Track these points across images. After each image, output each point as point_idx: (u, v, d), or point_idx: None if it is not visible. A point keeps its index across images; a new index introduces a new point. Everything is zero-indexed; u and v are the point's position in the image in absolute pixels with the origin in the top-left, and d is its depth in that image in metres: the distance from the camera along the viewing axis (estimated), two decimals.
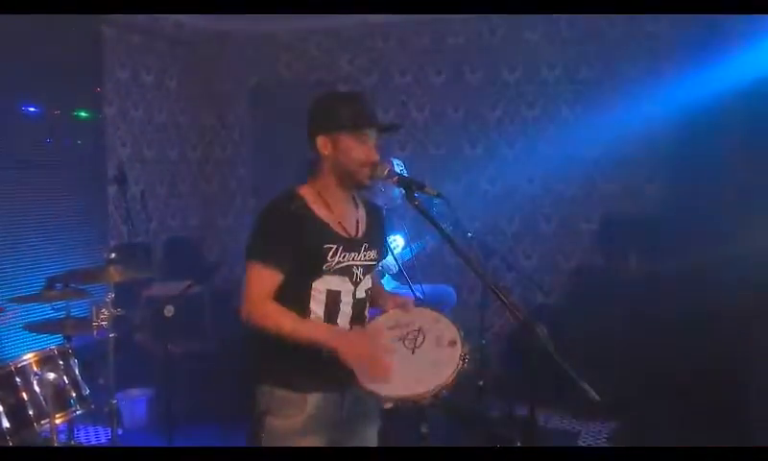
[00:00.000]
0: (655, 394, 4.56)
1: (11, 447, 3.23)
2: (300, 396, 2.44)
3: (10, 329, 4.33)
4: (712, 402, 4.20)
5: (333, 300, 2.45)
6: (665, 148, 5.63)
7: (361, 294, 2.52)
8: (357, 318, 2.52)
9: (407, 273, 4.00)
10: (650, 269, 5.21)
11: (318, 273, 2.42)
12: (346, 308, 2.48)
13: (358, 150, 2.43)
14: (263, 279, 2.39)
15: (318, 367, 2.38)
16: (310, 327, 2.42)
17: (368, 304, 2.58)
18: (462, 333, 2.45)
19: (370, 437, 2.65)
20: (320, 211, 2.45)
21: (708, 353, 4.31)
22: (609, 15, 5.69)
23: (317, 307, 2.45)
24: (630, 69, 5.70)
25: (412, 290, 3.82)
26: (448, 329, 2.47)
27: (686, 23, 5.49)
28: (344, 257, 2.45)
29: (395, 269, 4.67)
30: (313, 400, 2.44)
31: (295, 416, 2.43)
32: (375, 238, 2.61)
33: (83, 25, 5.04)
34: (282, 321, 2.38)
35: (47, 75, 4.79)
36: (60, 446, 3.41)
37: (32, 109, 4.79)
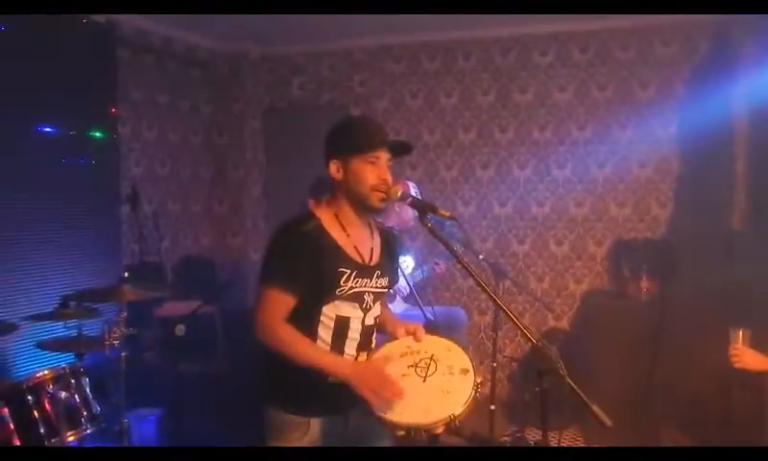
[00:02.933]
0: (669, 418, 4.53)
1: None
2: (304, 419, 2.44)
3: (22, 347, 4.33)
4: (730, 429, 4.16)
5: (342, 326, 2.45)
6: (677, 170, 5.64)
7: (370, 321, 2.52)
8: (364, 345, 2.51)
9: (418, 294, 4.00)
10: (661, 292, 5.18)
11: (329, 297, 2.41)
12: (354, 335, 2.47)
13: (369, 172, 2.43)
14: (278, 303, 2.38)
15: (321, 390, 2.38)
16: (323, 355, 2.41)
17: (375, 332, 2.58)
18: (474, 363, 2.44)
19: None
20: (335, 234, 2.45)
21: (725, 377, 4.27)
22: (620, 38, 5.72)
23: (324, 333, 2.44)
24: (640, 91, 5.72)
25: (423, 312, 3.81)
26: (460, 358, 2.46)
27: (697, 44, 5.52)
28: (356, 283, 2.44)
29: (405, 291, 4.67)
30: (317, 423, 2.45)
31: (299, 439, 2.43)
32: (388, 265, 2.61)
33: (98, 46, 5.09)
34: (296, 348, 2.37)
35: (63, 96, 4.83)
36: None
37: (47, 130, 4.83)
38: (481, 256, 4.52)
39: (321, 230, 2.43)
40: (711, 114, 5.03)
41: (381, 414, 2.30)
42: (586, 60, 5.85)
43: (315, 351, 2.40)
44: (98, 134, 5.17)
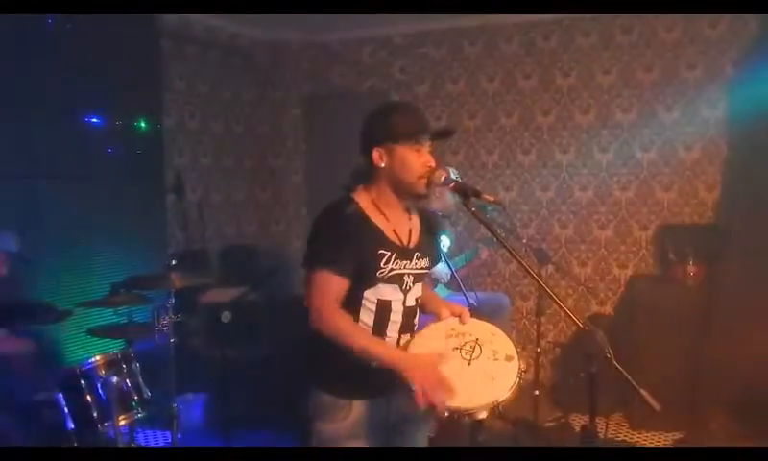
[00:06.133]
0: (717, 404, 4.46)
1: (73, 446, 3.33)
2: (345, 401, 2.46)
3: (73, 334, 4.45)
4: None
5: (383, 309, 2.46)
6: (724, 153, 5.52)
7: (411, 302, 2.53)
8: (406, 327, 2.52)
9: (460, 280, 4.00)
10: (708, 277, 5.10)
11: (371, 281, 2.42)
12: (396, 317, 2.48)
13: (414, 159, 2.43)
14: (331, 287, 2.38)
15: (364, 373, 2.39)
16: (381, 348, 2.40)
17: (417, 312, 2.58)
18: (519, 349, 2.43)
19: (419, 440, 2.66)
20: (374, 218, 2.46)
21: None
22: (666, 18, 5.61)
23: (366, 317, 2.45)
24: (687, 72, 5.61)
25: (466, 297, 3.81)
26: (505, 344, 2.45)
27: (745, 24, 5.39)
28: (396, 265, 2.45)
29: (447, 277, 4.68)
30: (359, 405, 2.47)
31: (341, 421, 2.45)
32: (428, 246, 2.61)
33: (142, 38, 5.18)
34: (355, 339, 2.37)
35: (108, 87, 4.93)
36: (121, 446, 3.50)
37: (94, 121, 4.93)
38: (524, 241, 4.50)
39: (360, 214, 2.44)
40: (761, 96, 4.90)
41: (425, 408, 2.26)
42: (629, 41, 5.75)
43: (374, 343, 2.41)
44: (143, 125, 5.26)
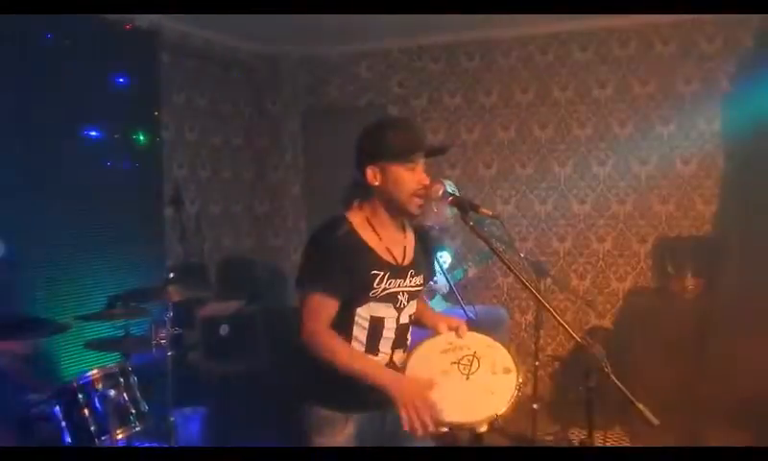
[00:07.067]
0: (714, 418, 4.45)
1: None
2: (342, 415, 2.46)
3: (70, 347, 4.43)
4: None
5: (376, 326, 2.46)
6: (722, 167, 5.54)
7: (405, 319, 2.52)
8: (399, 343, 2.51)
9: (458, 293, 4.00)
10: (707, 290, 5.10)
11: (363, 300, 2.42)
12: (388, 334, 2.48)
13: (408, 178, 2.42)
14: (323, 309, 2.39)
15: (360, 387, 2.38)
16: (372, 371, 2.39)
17: (410, 328, 2.57)
18: (517, 361, 2.42)
19: None
20: (367, 237, 2.45)
21: None
22: (662, 33, 5.64)
23: (359, 333, 2.45)
24: (684, 86, 5.63)
25: (464, 310, 3.81)
26: (503, 356, 2.44)
27: (740, 38, 5.41)
28: (390, 284, 2.45)
29: (446, 289, 4.68)
30: (355, 419, 2.47)
31: (338, 435, 2.45)
32: (422, 263, 2.61)
33: (141, 51, 5.19)
34: (346, 361, 2.37)
35: (107, 100, 4.94)
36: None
37: (93, 134, 4.94)
38: (522, 255, 4.50)
39: (353, 235, 2.43)
40: (757, 109, 4.92)
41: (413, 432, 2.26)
42: (626, 55, 5.77)
43: (359, 361, 2.41)
44: (141, 138, 5.26)
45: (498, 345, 2.50)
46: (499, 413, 2.27)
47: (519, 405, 2.36)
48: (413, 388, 2.31)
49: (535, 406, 4.65)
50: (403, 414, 2.24)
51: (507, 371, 2.38)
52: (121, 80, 5.08)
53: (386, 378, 2.36)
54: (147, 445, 3.67)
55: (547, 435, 4.88)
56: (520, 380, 2.35)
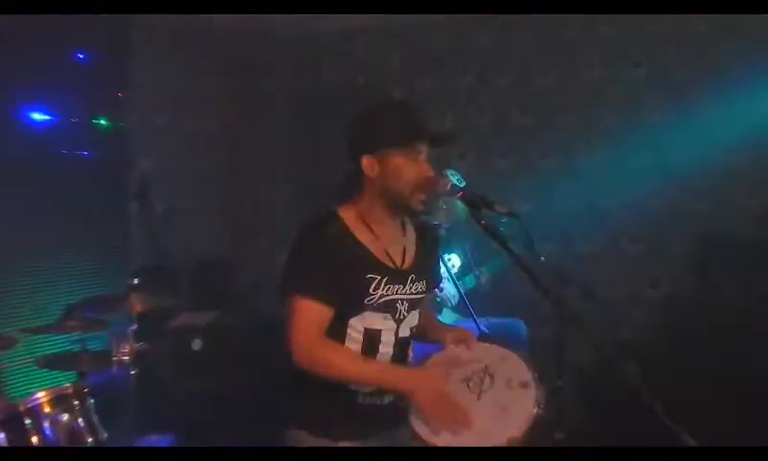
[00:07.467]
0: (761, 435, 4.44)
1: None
2: (330, 443, 2.45)
3: (18, 364, 4.40)
4: None
5: (372, 339, 2.45)
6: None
7: (405, 332, 2.51)
8: (399, 358, 2.51)
9: (470, 304, 3.97)
10: (753, 298, 5.06)
11: (357, 308, 2.42)
12: (385, 349, 2.47)
13: (409, 169, 2.41)
14: (313, 316, 2.37)
15: (351, 411, 2.41)
16: (379, 369, 2.41)
17: (411, 343, 2.57)
18: (535, 374, 2.41)
19: None
20: (361, 236, 2.45)
21: None
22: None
23: (352, 347, 2.44)
24: (727, 68, 5.56)
25: (476, 323, 3.79)
26: (519, 368, 2.44)
27: None
28: (387, 291, 2.44)
29: (455, 299, 4.64)
30: (345, 447, 2.45)
31: None
32: (425, 267, 2.61)
33: (106, 25, 5.14)
34: (346, 368, 2.37)
35: (64, 79, 4.90)
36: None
37: (46, 117, 4.89)
38: (542, 258, 4.45)
39: (345, 233, 2.43)
40: None
41: (433, 438, 2.26)
42: (659, 30, 5.72)
43: (370, 366, 2.41)
44: (103, 122, 5.23)
45: (514, 355, 2.51)
46: (516, 436, 2.24)
47: (540, 436, 2.35)
48: (435, 380, 2.36)
49: (559, 436, 4.60)
50: (429, 414, 2.25)
51: (524, 385, 2.37)
52: (81, 55, 5.03)
53: (402, 378, 2.38)
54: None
55: None
56: (541, 396, 2.34)
